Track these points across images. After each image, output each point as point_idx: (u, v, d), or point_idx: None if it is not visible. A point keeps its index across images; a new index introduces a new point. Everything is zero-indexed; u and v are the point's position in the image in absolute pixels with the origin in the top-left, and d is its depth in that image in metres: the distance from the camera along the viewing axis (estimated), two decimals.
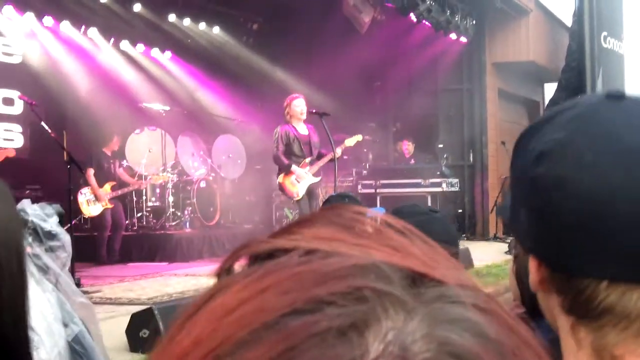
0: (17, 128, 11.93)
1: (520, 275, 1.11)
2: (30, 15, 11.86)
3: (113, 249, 11.14)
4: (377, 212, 0.44)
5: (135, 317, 5.49)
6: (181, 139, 13.12)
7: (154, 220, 12.13)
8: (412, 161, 14.61)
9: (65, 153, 8.50)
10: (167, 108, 12.40)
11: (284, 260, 0.38)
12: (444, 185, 13.49)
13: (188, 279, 9.15)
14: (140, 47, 13.97)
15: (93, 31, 12.97)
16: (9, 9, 11.50)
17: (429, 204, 13.09)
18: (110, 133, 11.22)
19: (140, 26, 13.45)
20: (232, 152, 13.75)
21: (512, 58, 15.53)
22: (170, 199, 12.10)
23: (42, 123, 8.59)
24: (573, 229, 0.83)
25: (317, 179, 9.71)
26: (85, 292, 6.38)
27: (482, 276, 9.59)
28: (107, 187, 11.02)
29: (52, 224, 2.52)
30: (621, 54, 15.21)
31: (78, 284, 6.87)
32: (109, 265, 10.74)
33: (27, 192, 10.50)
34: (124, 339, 5.46)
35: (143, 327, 5.33)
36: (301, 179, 9.49)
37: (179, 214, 12.20)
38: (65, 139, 8.56)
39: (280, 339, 0.33)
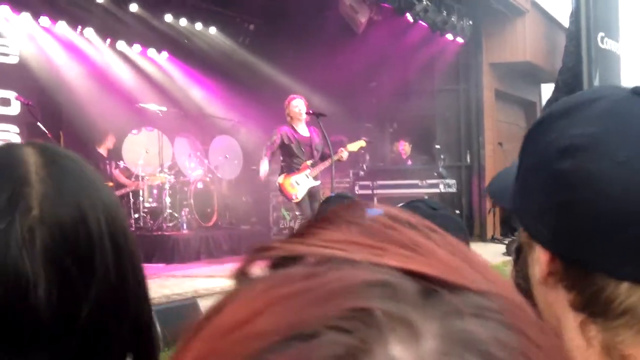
0: (14, 129, 11.89)
1: (519, 279, 1.10)
2: (26, 16, 11.83)
3: None
4: (396, 210, 0.43)
5: None
6: (178, 139, 13.11)
7: (151, 222, 12.11)
8: (409, 162, 14.61)
9: None
10: (164, 109, 12.38)
11: (291, 273, 0.37)
12: (441, 186, 13.48)
13: (185, 280, 9.12)
14: (137, 47, 13.95)
15: (89, 31, 12.95)
16: (5, 9, 11.47)
17: None
18: (104, 131, 11.18)
19: (137, 26, 13.42)
20: (229, 152, 13.73)
21: (509, 58, 15.53)
22: (167, 200, 12.08)
23: (39, 124, 8.58)
24: (601, 227, 0.82)
25: (317, 182, 9.70)
26: None
27: None
28: None
29: None
30: (618, 55, 15.23)
31: None
32: None
33: None
34: None
35: None
36: (299, 172, 9.46)
37: (176, 215, 12.18)
38: (62, 139, 8.54)
39: None
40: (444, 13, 13.65)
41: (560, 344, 0.38)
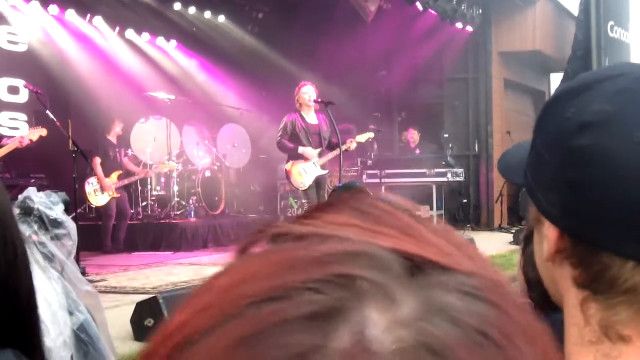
0: (22, 117, 11.93)
1: (527, 267, 1.09)
2: (35, 4, 11.85)
3: (118, 238, 11.16)
4: (396, 198, 0.44)
5: (140, 306, 5.50)
6: (186, 128, 13.12)
7: (159, 209, 12.14)
8: (417, 151, 14.60)
9: (70, 142, 8.50)
10: (172, 97, 12.39)
11: (285, 245, 0.39)
12: (449, 175, 13.47)
13: (193, 268, 9.16)
14: (146, 35, 13.96)
15: (98, 20, 12.96)
16: None
17: (434, 194, 13.10)
18: (111, 117, 11.21)
19: (146, 15, 13.42)
20: (237, 141, 13.74)
21: (518, 47, 15.48)
22: (175, 188, 12.11)
23: (47, 112, 8.59)
24: (612, 205, 0.81)
25: (325, 171, 9.70)
26: (90, 281, 6.39)
27: None
28: (114, 176, 11.02)
29: (57, 211, 2.52)
30: (627, 43, 15.17)
31: (83, 273, 6.88)
32: (114, 254, 10.76)
33: (32, 180, 10.50)
34: (128, 327, 5.47)
35: (148, 316, 5.34)
36: (311, 159, 9.45)
37: (183, 203, 12.22)
38: (70, 127, 8.54)
39: (245, 325, 0.34)
40: (454, 1, 13.60)
41: (539, 326, 0.38)
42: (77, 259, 5.37)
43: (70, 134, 8.52)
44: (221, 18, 14.60)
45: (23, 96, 11.73)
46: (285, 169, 9.65)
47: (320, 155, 9.61)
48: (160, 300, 5.28)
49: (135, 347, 5.11)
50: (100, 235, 10.94)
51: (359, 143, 10.09)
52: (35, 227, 2.44)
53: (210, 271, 0.42)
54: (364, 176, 13.70)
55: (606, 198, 0.81)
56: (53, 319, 2.06)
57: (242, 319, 0.34)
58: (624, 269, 0.82)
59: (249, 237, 0.42)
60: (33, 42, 12.11)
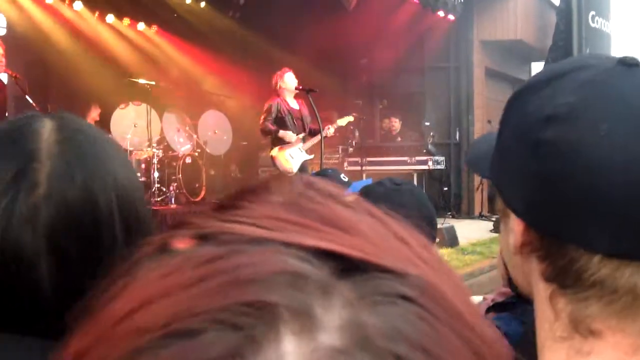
0: None
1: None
2: None
3: None
4: (324, 183, 0.41)
5: None
6: (167, 114, 13.03)
7: None
8: (399, 139, 14.62)
9: None
10: (153, 83, 12.30)
11: (193, 256, 0.34)
12: (430, 163, 13.51)
13: None
14: (126, 21, 13.83)
15: (78, 4, 12.82)
16: None
17: (415, 181, 13.12)
18: (88, 103, 11.12)
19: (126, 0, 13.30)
20: (218, 128, 13.68)
21: (500, 36, 15.52)
22: (156, 174, 12.03)
23: (27, 96, 8.52)
24: (578, 199, 0.80)
25: (311, 156, 9.71)
26: None
27: (467, 254, 9.65)
28: None
29: None
30: (608, 34, 15.25)
31: None
32: None
33: None
34: None
35: None
36: (293, 143, 9.44)
37: (164, 189, 12.15)
38: (49, 112, 8.47)
39: None
40: None
41: (479, 334, 0.35)
42: None
43: None
44: (202, 3, 14.50)
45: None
46: (272, 156, 9.63)
47: (304, 140, 9.61)
48: None
49: None
50: None
51: (340, 127, 10.10)
52: None
53: None
54: (346, 163, 13.71)
55: (571, 191, 0.80)
56: None
57: None
58: (590, 262, 0.82)
59: (163, 235, 0.37)
60: (12, 26, 11.97)
